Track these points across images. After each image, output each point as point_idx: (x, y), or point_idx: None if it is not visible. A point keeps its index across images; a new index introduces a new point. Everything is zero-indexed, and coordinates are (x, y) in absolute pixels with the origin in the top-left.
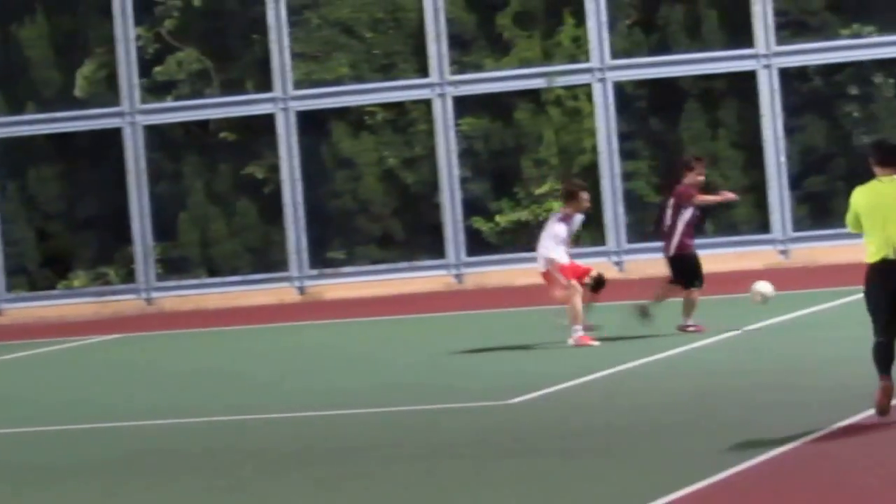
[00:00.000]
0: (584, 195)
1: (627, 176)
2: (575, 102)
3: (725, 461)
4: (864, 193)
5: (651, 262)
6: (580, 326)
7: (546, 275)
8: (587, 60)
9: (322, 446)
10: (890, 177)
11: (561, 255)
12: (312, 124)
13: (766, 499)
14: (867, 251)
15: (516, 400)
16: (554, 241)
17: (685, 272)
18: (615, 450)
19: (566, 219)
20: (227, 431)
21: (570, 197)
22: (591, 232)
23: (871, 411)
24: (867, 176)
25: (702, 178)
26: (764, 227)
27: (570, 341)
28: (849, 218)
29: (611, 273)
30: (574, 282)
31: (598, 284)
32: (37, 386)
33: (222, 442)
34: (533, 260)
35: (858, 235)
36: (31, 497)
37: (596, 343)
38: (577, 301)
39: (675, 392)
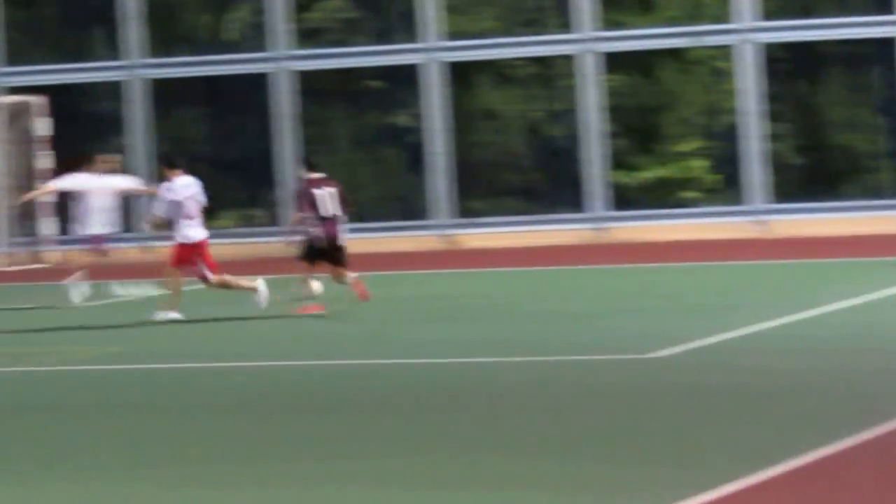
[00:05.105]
0: None
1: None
2: (719, 63)
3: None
4: None
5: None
6: None
7: None
8: (732, 21)
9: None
10: None
11: None
12: (457, 75)
13: None
14: None
15: (658, 354)
16: None
17: None
18: (744, 408)
19: None
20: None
21: None
22: (734, 191)
23: None
24: None
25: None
26: None
27: None
28: None
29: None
30: None
31: None
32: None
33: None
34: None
35: None
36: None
37: None
38: None
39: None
